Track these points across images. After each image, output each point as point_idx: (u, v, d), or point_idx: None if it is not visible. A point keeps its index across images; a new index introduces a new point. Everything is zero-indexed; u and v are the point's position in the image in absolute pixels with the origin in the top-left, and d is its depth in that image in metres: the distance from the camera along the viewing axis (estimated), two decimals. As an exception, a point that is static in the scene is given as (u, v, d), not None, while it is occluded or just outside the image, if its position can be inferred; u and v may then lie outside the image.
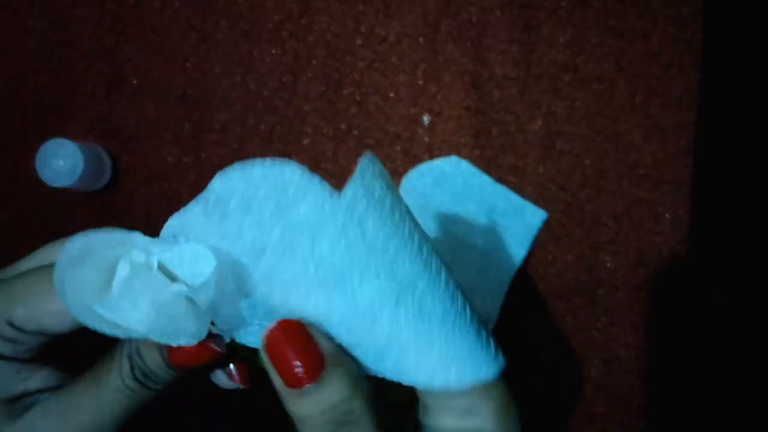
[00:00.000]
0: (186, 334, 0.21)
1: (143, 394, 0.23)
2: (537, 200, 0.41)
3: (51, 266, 0.22)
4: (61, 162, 0.40)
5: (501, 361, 0.22)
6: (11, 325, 0.23)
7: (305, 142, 0.42)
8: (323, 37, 0.42)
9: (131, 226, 0.45)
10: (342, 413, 0.21)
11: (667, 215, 0.40)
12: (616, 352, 0.40)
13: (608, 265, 0.40)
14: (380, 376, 0.22)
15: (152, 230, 0.46)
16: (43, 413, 0.23)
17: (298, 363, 0.20)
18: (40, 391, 0.24)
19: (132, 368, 0.23)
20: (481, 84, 0.41)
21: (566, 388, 0.40)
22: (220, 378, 0.26)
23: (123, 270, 0.20)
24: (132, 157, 0.43)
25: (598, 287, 0.40)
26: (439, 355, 0.21)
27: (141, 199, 0.43)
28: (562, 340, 0.40)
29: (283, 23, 0.42)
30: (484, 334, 0.22)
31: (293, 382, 0.20)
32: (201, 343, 0.22)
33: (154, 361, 0.23)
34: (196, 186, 0.42)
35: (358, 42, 0.42)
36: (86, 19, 0.43)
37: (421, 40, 0.41)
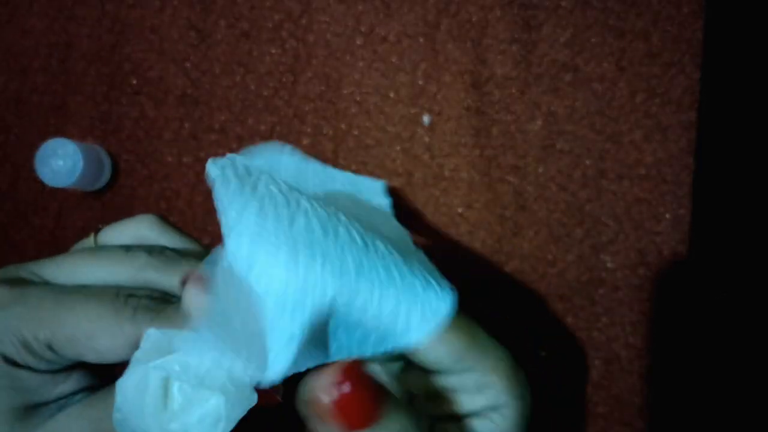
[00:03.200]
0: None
1: None
2: (537, 200, 0.40)
3: (97, 290, 0.22)
4: (61, 162, 0.39)
5: (449, 293, 0.22)
6: (50, 348, 0.22)
7: (305, 141, 0.42)
8: (323, 37, 0.42)
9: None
10: None
11: (667, 215, 0.40)
12: (617, 352, 0.40)
13: (609, 265, 0.40)
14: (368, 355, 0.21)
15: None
16: (76, 416, 0.22)
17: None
18: (74, 393, 0.24)
19: None
20: (481, 84, 0.41)
21: (566, 389, 0.40)
22: None
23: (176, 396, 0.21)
24: (131, 157, 0.43)
25: (599, 287, 0.40)
26: (391, 310, 0.21)
27: (140, 199, 0.42)
28: (562, 340, 0.40)
29: (283, 23, 0.42)
30: (419, 274, 0.22)
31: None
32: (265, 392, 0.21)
33: None
34: (196, 186, 0.42)
35: (358, 42, 0.42)
36: (86, 18, 0.43)
37: (421, 39, 0.41)
